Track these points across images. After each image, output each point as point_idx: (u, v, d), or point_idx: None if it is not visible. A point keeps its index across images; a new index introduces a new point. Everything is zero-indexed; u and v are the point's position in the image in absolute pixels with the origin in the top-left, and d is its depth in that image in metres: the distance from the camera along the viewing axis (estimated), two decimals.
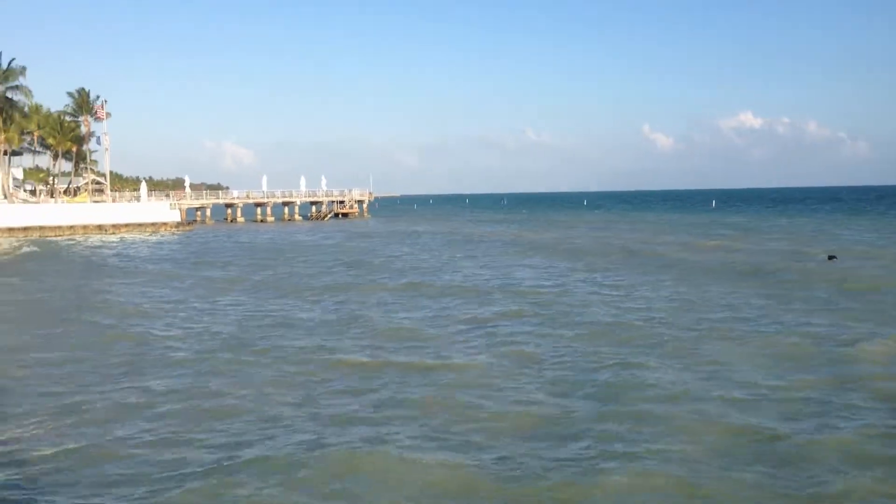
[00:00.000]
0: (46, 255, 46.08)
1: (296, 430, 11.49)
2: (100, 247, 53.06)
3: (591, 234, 60.79)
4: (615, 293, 25.88)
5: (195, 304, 24.92)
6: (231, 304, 24.82)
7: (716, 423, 11.45)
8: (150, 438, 11.22)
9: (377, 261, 39.54)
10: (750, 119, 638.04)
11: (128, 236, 64.65)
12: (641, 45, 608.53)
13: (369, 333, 19.18)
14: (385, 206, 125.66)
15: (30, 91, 72.40)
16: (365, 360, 16.16)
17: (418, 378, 14.54)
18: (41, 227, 66.11)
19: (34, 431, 11.67)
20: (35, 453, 10.63)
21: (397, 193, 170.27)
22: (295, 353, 16.92)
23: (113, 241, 58.00)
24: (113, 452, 10.62)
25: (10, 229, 64.61)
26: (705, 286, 26.97)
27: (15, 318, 22.71)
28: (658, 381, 13.81)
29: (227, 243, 55.18)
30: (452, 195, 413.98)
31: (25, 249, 50.46)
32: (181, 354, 16.98)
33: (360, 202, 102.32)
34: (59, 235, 65.17)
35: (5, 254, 47.82)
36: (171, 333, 19.64)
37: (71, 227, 67.54)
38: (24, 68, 71.02)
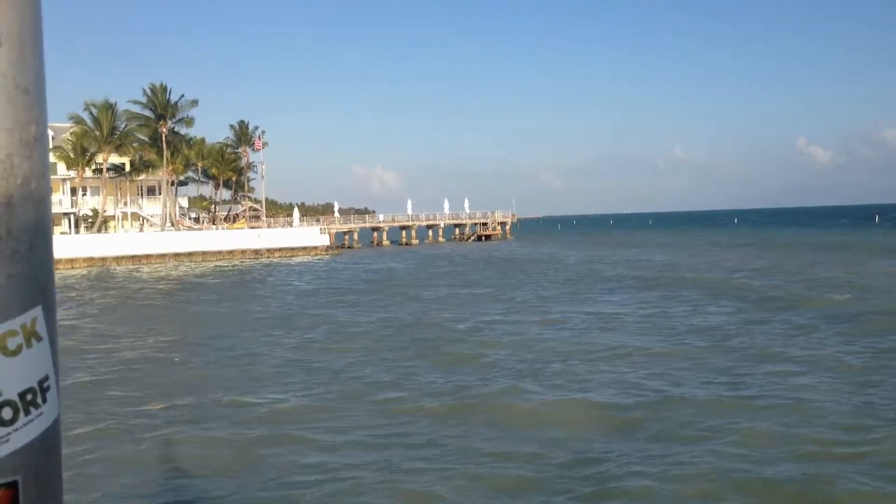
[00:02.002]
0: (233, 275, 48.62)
1: None
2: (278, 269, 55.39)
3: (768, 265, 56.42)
4: None
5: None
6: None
7: None
8: None
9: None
10: None
11: (284, 260, 67.34)
12: (791, 55, 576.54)
13: None
14: (527, 228, 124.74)
15: (192, 119, 77.65)
16: None
17: None
18: (204, 252, 70.07)
19: None
20: None
21: (539, 214, 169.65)
22: None
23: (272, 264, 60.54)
24: None
25: (177, 254, 68.96)
26: None
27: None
28: None
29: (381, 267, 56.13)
30: (596, 215, 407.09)
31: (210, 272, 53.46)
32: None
33: (503, 224, 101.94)
34: (220, 260, 68.96)
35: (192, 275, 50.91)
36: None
37: (230, 251, 71.25)
38: (195, 101, 76.48)
